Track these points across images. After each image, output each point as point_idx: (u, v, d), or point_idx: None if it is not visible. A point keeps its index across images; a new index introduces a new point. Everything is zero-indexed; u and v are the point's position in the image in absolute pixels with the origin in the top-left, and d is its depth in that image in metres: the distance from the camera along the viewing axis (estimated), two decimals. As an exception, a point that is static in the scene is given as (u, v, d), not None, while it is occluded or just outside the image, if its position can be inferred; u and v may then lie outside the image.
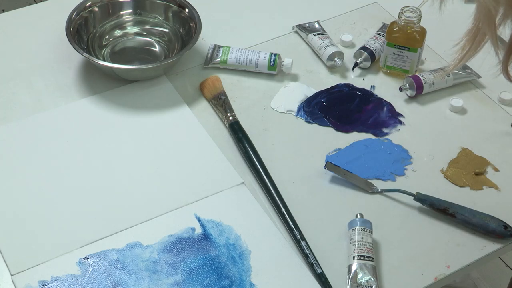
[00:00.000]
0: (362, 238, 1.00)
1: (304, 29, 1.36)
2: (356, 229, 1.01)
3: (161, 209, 1.07)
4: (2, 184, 1.10)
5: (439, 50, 1.34)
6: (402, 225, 1.06)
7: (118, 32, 1.35)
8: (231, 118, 1.19)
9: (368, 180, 1.11)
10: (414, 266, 1.01)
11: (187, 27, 1.31)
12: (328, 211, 1.08)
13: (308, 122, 1.21)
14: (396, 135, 1.20)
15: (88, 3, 1.31)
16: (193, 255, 1.01)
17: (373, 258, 0.99)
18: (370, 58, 1.30)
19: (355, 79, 1.30)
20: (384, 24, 1.38)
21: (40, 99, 1.23)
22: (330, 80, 1.29)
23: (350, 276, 0.97)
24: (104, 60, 1.30)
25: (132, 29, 1.36)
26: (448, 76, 1.26)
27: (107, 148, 1.16)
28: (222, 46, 1.31)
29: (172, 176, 1.12)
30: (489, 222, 1.04)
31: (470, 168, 1.14)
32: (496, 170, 1.14)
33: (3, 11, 2.18)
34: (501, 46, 0.73)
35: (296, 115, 1.23)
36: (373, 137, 1.19)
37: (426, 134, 1.20)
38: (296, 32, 1.38)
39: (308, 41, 1.35)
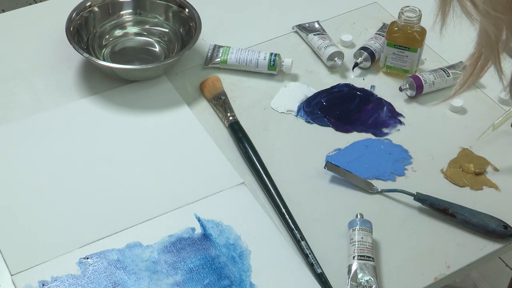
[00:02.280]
0: (362, 238, 1.00)
1: (304, 29, 1.36)
2: (356, 229, 1.01)
3: (161, 209, 1.07)
4: (2, 184, 1.10)
5: (439, 50, 1.34)
6: (402, 225, 1.06)
7: (118, 32, 1.35)
8: (231, 118, 1.19)
9: (368, 180, 1.11)
10: (414, 266, 1.01)
11: (187, 27, 1.31)
12: (328, 211, 1.08)
13: (308, 122, 1.21)
14: (396, 135, 1.20)
15: (88, 3, 1.31)
16: (193, 255, 1.01)
17: (373, 258, 0.99)
18: (370, 58, 1.30)
19: (355, 79, 1.30)
20: (384, 24, 1.38)
21: (40, 99, 1.23)
22: (330, 80, 1.29)
23: (350, 276, 0.97)
24: (104, 60, 1.30)
25: (132, 29, 1.36)
26: (448, 76, 1.26)
27: (107, 148, 1.16)
28: (222, 46, 1.31)
29: (172, 176, 1.12)
30: (489, 222, 1.04)
31: (470, 168, 1.14)
32: (496, 170, 1.14)
33: (3, 11, 2.18)
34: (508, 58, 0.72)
35: (296, 115, 1.23)
36: (373, 137, 1.19)
37: (426, 134, 1.20)
38: (296, 32, 1.38)
39: (308, 41, 1.35)
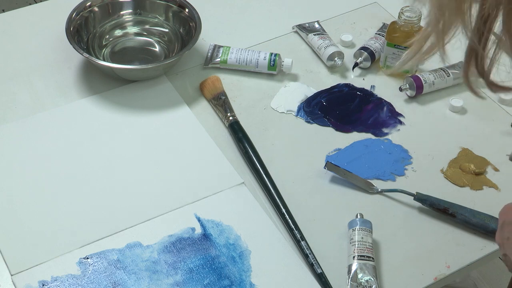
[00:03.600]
0: (362, 238, 1.00)
1: (304, 29, 1.36)
2: (356, 229, 1.01)
3: (161, 209, 1.07)
4: (2, 184, 1.10)
5: (439, 50, 1.34)
6: (402, 225, 1.06)
7: (118, 32, 1.35)
8: (231, 118, 1.19)
9: (368, 180, 1.11)
10: (414, 266, 1.01)
11: (187, 27, 1.31)
12: (328, 211, 1.08)
13: (308, 122, 1.22)
14: (396, 135, 1.20)
15: (88, 3, 1.31)
16: (193, 255, 1.01)
17: (373, 258, 0.99)
18: (370, 58, 1.30)
19: (355, 79, 1.30)
20: (384, 24, 1.38)
21: (40, 99, 1.23)
22: (330, 80, 1.29)
23: (350, 276, 0.97)
24: (104, 60, 1.30)
25: (132, 29, 1.36)
26: (448, 76, 1.26)
27: (107, 148, 1.16)
28: (222, 46, 1.31)
29: (172, 176, 1.12)
30: (489, 222, 1.04)
31: (470, 168, 1.14)
32: (496, 170, 1.14)
33: (3, 11, 2.18)
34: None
35: (296, 115, 1.23)
36: (373, 137, 1.19)
37: (426, 134, 1.20)
38: (296, 32, 1.38)
39: (308, 41, 1.35)
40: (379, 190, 1.10)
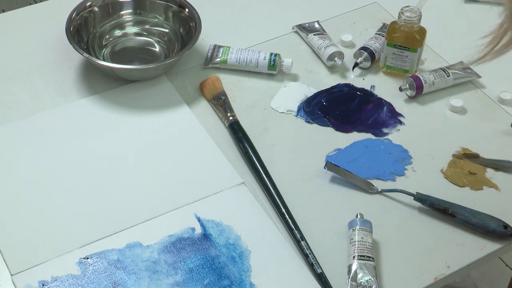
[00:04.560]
0: (362, 238, 1.00)
1: (304, 29, 1.36)
2: (356, 229, 1.01)
3: (161, 209, 1.07)
4: (2, 184, 1.10)
5: (439, 50, 1.34)
6: (402, 225, 1.06)
7: (118, 32, 1.35)
8: (231, 118, 1.19)
9: (368, 180, 1.11)
10: (414, 266, 1.01)
11: (187, 27, 1.31)
12: (328, 211, 1.08)
13: (308, 122, 1.22)
14: (396, 135, 1.20)
15: (88, 3, 1.31)
16: (193, 255, 1.01)
17: (373, 258, 0.99)
18: (370, 58, 1.30)
19: (355, 79, 1.30)
20: (384, 24, 1.38)
21: (40, 99, 1.23)
22: (330, 80, 1.29)
23: (350, 276, 0.97)
24: (104, 60, 1.30)
25: (132, 29, 1.36)
26: (448, 76, 1.26)
27: (107, 148, 1.16)
28: (222, 46, 1.31)
29: (172, 176, 1.12)
30: (489, 222, 1.04)
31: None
32: (496, 170, 1.14)
33: (3, 11, 2.18)
34: None
35: (296, 115, 1.23)
36: (373, 137, 1.19)
37: (426, 134, 1.20)
38: (296, 32, 1.38)
39: (308, 41, 1.35)
40: (379, 190, 1.10)
